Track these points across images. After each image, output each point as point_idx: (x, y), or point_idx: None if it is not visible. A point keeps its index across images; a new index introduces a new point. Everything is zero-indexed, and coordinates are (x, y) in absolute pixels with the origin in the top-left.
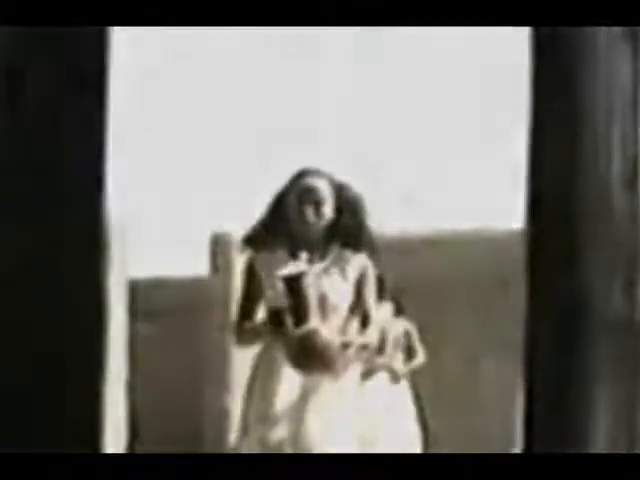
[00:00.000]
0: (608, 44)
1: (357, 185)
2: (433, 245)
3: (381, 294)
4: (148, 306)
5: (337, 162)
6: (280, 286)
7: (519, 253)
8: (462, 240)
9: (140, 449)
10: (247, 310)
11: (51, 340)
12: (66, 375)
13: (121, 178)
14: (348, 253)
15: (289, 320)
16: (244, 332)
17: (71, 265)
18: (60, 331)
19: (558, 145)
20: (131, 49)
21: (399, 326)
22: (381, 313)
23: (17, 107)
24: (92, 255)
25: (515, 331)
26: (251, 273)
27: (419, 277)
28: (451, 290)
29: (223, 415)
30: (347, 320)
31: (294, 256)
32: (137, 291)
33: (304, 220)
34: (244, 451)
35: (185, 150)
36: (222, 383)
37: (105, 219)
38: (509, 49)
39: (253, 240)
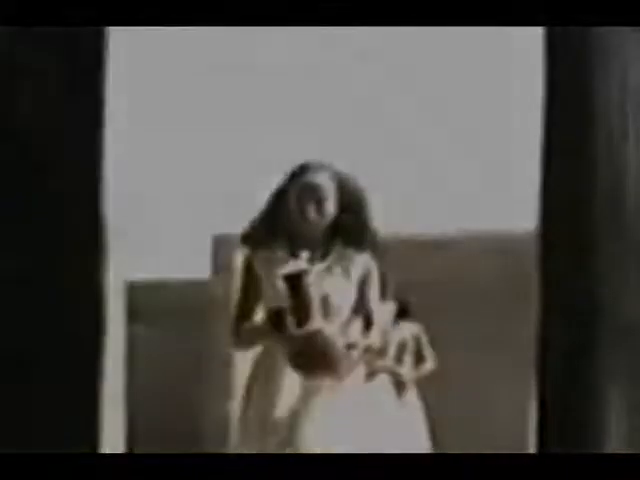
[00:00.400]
0: (620, 44)
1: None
2: (438, 246)
3: (384, 294)
4: (149, 308)
5: (338, 162)
6: (280, 285)
7: (528, 253)
8: (469, 241)
9: (140, 449)
10: (246, 310)
11: (51, 341)
12: (66, 375)
13: (121, 178)
14: (351, 252)
15: (290, 320)
16: (243, 333)
17: (71, 266)
18: (60, 332)
19: (571, 144)
20: (131, 49)
21: (405, 329)
22: (384, 314)
23: (17, 107)
24: (91, 256)
25: (524, 332)
26: (249, 272)
27: (425, 278)
28: (458, 291)
29: (223, 415)
30: (350, 321)
31: (294, 255)
32: (137, 293)
33: (305, 218)
34: (244, 451)
35: (186, 151)
36: (222, 384)
37: (104, 220)
38: (522, 49)
39: (251, 238)
